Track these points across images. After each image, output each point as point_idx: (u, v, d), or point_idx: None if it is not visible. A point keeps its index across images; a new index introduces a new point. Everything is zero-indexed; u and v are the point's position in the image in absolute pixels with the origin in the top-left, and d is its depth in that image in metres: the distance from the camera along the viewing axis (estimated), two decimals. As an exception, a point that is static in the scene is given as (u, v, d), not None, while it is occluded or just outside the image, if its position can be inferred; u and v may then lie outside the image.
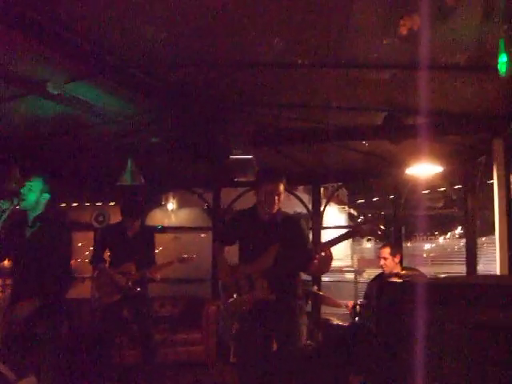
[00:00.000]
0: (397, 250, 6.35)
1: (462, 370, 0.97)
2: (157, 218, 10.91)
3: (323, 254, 3.93)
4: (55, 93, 4.62)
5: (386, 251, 6.20)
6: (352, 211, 22.61)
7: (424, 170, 6.16)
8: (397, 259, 6.18)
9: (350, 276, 15.59)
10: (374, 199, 22.10)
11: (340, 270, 15.77)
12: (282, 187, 4.25)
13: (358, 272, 14.47)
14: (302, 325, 4.31)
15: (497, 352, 0.94)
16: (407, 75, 4.60)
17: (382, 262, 6.19)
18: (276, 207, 4.25)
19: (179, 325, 7.80)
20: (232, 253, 4.56)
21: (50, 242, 4.22)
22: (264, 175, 4.32)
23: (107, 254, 6.24)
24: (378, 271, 6.56)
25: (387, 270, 6.14)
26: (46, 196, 4.38)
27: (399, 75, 4.63)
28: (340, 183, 9.66)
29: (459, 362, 0.96)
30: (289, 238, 4.23)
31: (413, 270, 6.26)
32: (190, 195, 9.92)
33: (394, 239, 7.69)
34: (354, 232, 4.28)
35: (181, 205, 11.32)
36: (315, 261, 3.96)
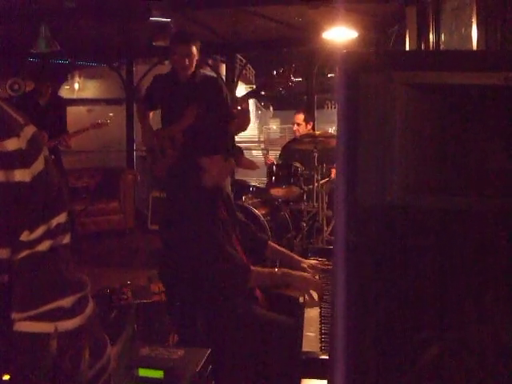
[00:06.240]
0: (310, 117, 6.58)
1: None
2: (65, 93, 10.58)
3: (240, 108, 4.02)
4: None
5: (300, 117, 6.42)
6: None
7: (339, 34, 6.27)
8: (309, 125, 6.43)
9: (258, 153, 16.10)
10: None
11: (249, 149, 16.22)
12: (194, 49, 4.28)
13: (265, 150, 14.87)
14: None
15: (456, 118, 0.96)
16: None
17: (296, 127, 6.41)
18: (189, 69, 4.30)
19: (97, 195, 7.83)
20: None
21: None
22: (176, 37, 4.40)
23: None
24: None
25: (299, 135, 6.36)
26: None
27: None
28: (255, 53, 9.70)
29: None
30: (208, 99, 4.28)
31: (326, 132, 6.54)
32: (101, 67, 9.65)
33: (306, 107, 7.89)
34: (266, 84, 4.32)
35: (92, 77, 11.00)
36: (234, 117, 3.99)
